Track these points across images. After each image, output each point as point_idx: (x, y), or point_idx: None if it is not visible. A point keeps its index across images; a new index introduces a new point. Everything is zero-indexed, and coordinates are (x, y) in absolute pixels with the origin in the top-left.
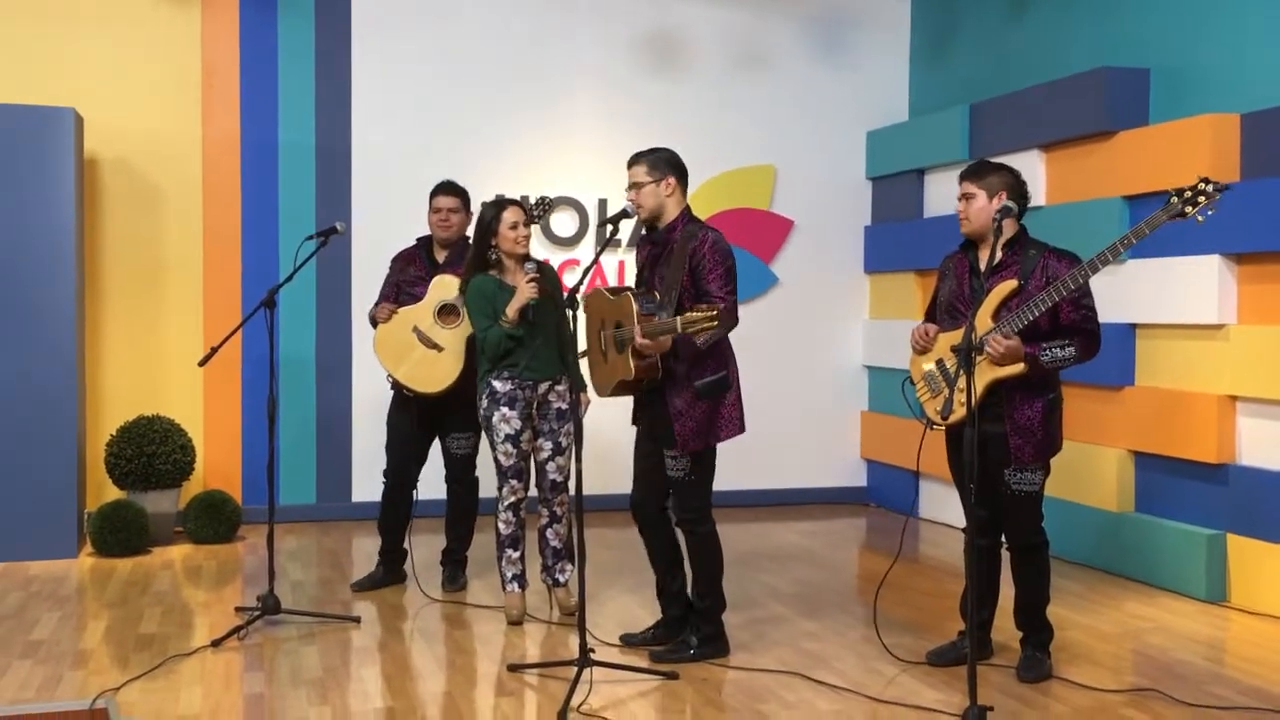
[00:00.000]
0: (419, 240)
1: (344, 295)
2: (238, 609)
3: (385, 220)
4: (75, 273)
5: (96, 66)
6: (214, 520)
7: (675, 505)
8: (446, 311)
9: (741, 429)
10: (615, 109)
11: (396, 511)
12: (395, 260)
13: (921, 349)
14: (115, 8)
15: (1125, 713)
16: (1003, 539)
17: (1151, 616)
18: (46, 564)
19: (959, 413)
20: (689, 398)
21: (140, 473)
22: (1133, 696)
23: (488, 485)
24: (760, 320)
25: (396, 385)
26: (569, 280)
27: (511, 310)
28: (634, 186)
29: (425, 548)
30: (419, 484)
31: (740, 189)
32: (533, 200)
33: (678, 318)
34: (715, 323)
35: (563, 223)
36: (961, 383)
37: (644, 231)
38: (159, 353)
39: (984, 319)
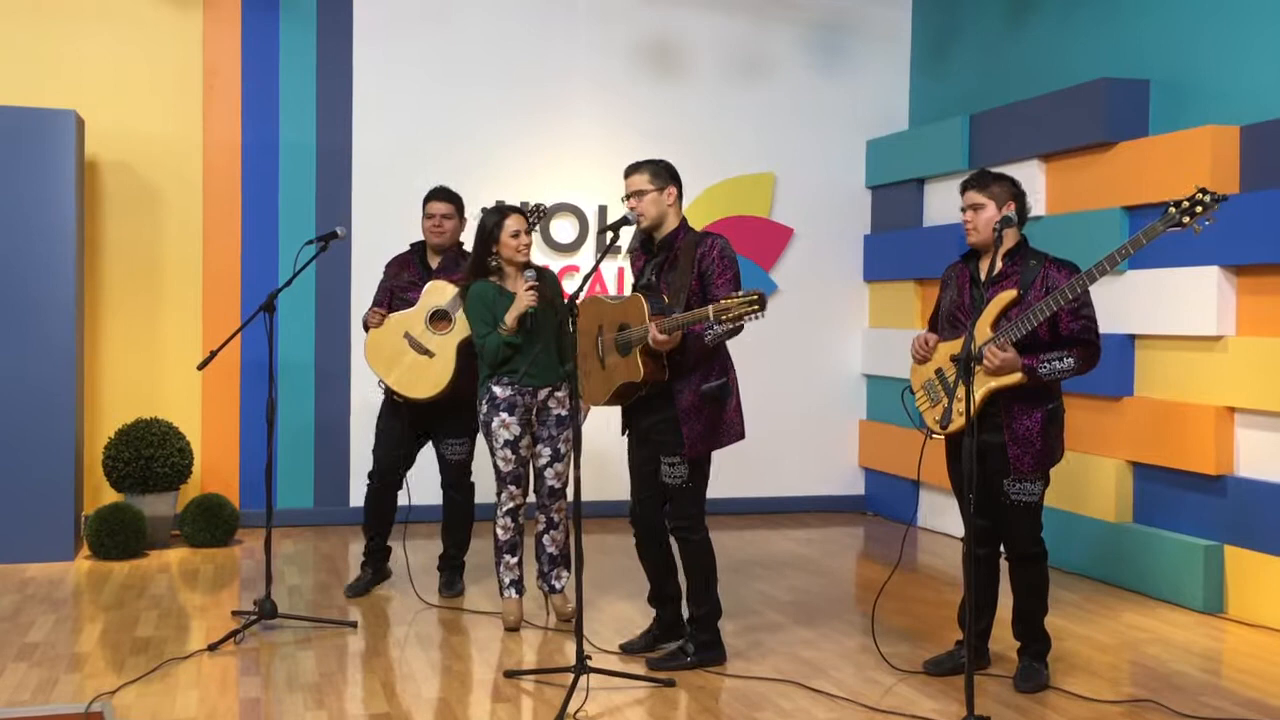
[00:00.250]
0: (412, 246)
1: (343, 300)
2: (234, 613)
3: (385, 225)
4: (75, 275)
5: (97, 68)
6: (211, 524)
7: (670, 512)
8: (438, 318)
9: (742, 435)
10: (615, 115)
11: (381, 511)
12: (389, 266)
13: (921, 358)
14: (116, 9)
15: None
16: (1001, 549)
17: (1149, 627)
18: (43, 566)
19: (958, 422)
20: (696, 401)
21: (138, 476)
22: (1130, 707)
23: (484, 491)
24: (759, 328)
25: (388, 390)
26: (569, 287)
27: (510, 318)
28: (636, 194)
29: (423, 553)
30: (414, 490)
31: (740, 197)
32: (529, 207)
33: (709, 306)
34: (755, 306)
35: (562, 229)
36: (961, 392)
37: (638, 241)
38: (158, 355)
39: (983, 328)
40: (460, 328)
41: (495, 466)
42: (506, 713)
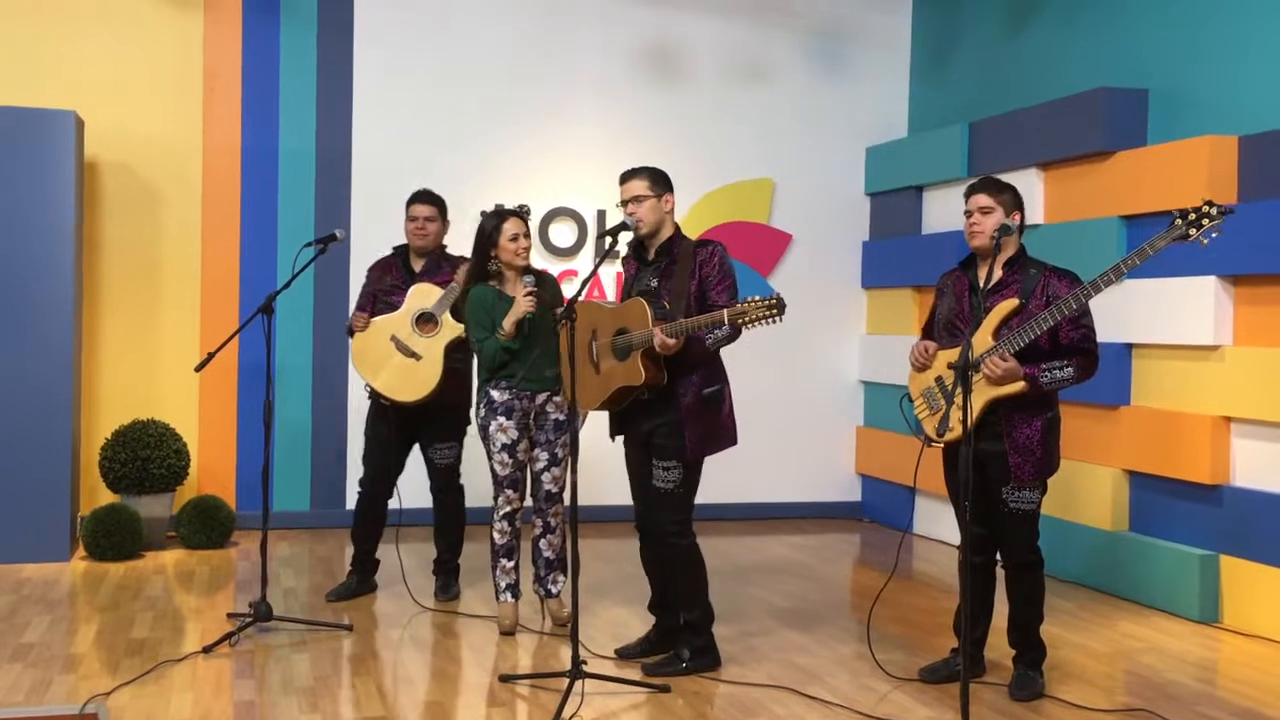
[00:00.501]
0: (395, 249)
1: (341, 302)
2: (230, 615)
3: (384, 228)
4: (73, 275)
5: (98, 69)
6: (207, 526)
7: (660, 518)
8: (424, 320)
9: (735, 440)
10: (615, 121)
11: (371, 521)
12: (372, 269)
13: (920, 366)
14: (117, 10)
15: None
16: (997, 557)
17: (1144, 636)
18: (39, 567)
19: (957, 430)
20: (698, 405)
21: (134, 477)
22: (1125, 717)
23: (480, 494)
24: (756, 333)
25: (374, 395)
26: (568, 291)
27: (508, 323)
28: (634, 200)
29: (417, 556)
30: (404, 495)
31: (739, 202)
32: (510, 207)
33: (723, 310)
34: (775, 310)
35: (561, 233)
36: (959, 400)
37: (631, 246)
38: (155, 357)
39: (984, 337)
40: (447, 330)
41: (492, 470)
42: (501, 717)
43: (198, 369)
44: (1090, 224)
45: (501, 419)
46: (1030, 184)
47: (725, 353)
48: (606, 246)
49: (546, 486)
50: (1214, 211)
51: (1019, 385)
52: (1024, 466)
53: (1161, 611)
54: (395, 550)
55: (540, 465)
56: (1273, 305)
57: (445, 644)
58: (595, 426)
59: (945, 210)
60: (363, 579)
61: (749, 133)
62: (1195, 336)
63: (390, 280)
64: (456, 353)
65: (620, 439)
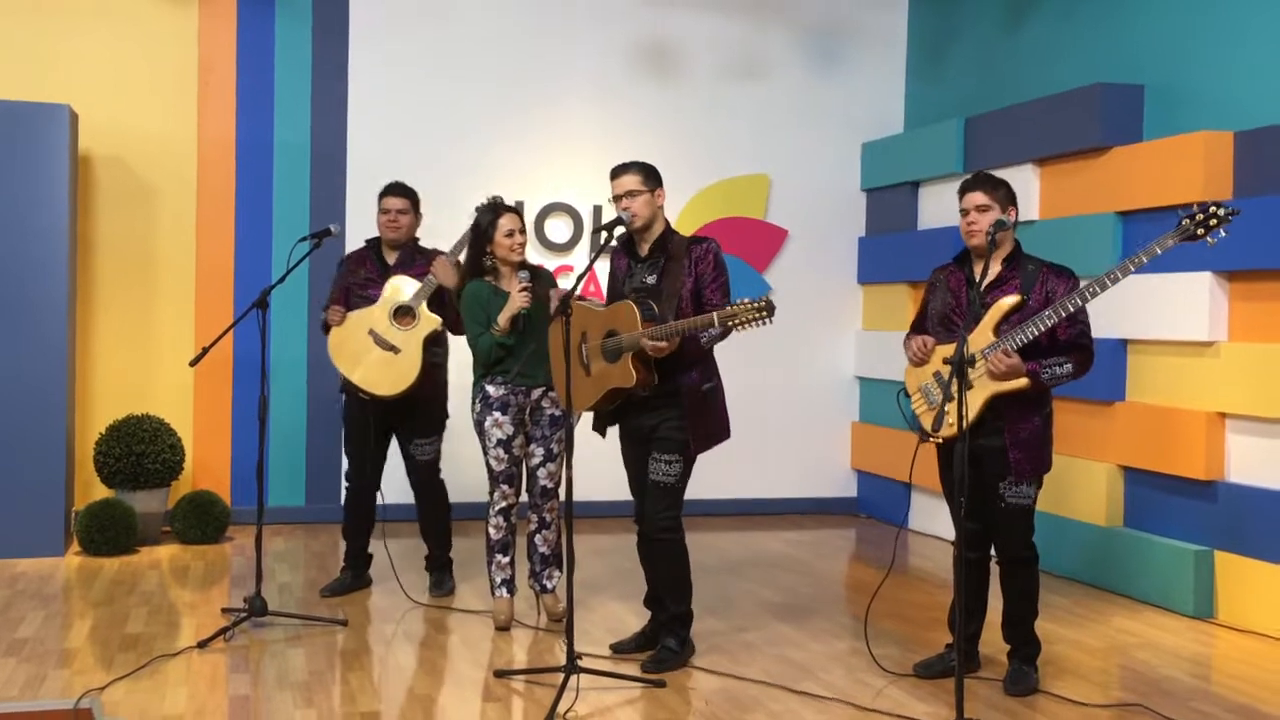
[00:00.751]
0: (368, 242)
1: None
2: (224, 610)
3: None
4: (67, 270)
5: (92, 63)
6: (202, 521)
7: (655, 511)
8: (402, 313)
9: (729, 434)
10: (611, 116)
11: (361, 514)
12: (344, 262)
13: (919, 361)
14: (111, 4)
15: None
16: (992, 552)
17: (1139, 632)
18: (33, 562)
19: (955, 426)
20: (700, 400)
21: (129, 472)
22: (1119, 712)
23: (468, 490)
24: (753, 330)
25: (349, 388)
26: (564, 286)
27: (503, 319)
28: (628, 195)
29: (406, 551)
30: (386, 491)
31: (735, 198)
32: (484, 200)
33: (713, 313)
34: (764, 313)
35: (557, 229)
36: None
37: (621, 242)
38: (150, 351)
39: (985, 333)
40: (424, 322)
41: (488, 466)
42: (496, 712)
43: (192, 364)
44: (1086, 220)
45: (497, 414)
46: (1026, 180)
47: (720, 348)
48: (601, 242)
49: (542, 482)
50: (1221, 212)
51: (1022, 381)
52: (1024, 462)
53: (1156, 607)
54: (384, 547)
55: (536, 461)
56: (1268, 301)
57: (440, 639)
58: (590, 422)
59: (941, 206)
60: (357, 574)
61: (745, 128)
62: (1190, 332)
63: (364, 273)
64: (434, 346)
65: (611, 435)
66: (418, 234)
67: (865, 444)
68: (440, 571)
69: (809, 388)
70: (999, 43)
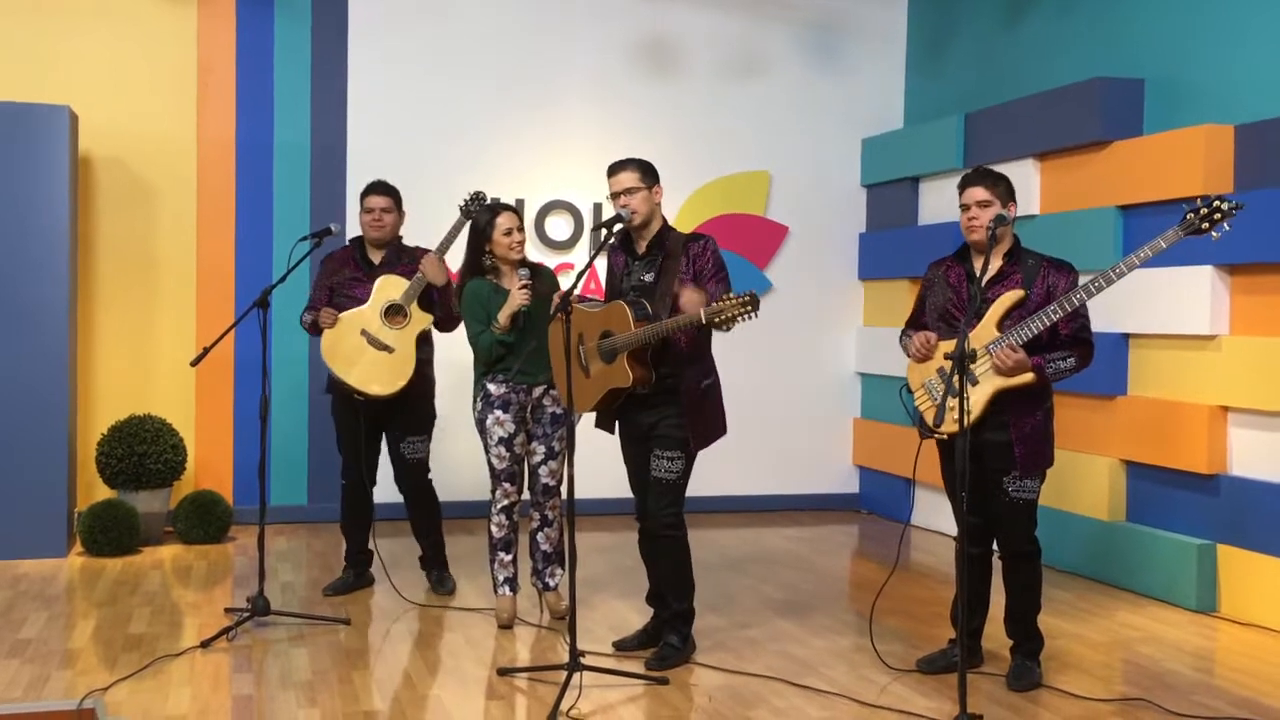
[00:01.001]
0: (351, 241)
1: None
2: (227, 610)
3: None
4: (68, 271)
5: (91, 64)
6: (204, 521)
7: (657, 508)
8: (393, 312)
9: (726, 430)
10: (611, 113)
11: (358, 512)
12: (326, 262)
13: (923, 357)
14: (111, 5)
15: None
16: (994, 547)
17: (1141, 626)
18: (36, 563)
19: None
20: (699, 398)
21: (131, 472)
22: (1122, 706)
23: (477, 488)
24: (754, 326)
25: (339, 389)
26: (564, 284)
27: (503, 317)
28: (627, 192)
29: (409, 553)
30: (373, 491)
31: (735, 195)
32: (467, 195)
33: (700, 310)
34: (749, 307)
35: (557, 226)
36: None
37: (618, 239)
38: (151, 352)
39: (989, 328)
40: (416, 321)
41: (490, 464)
42: (499, 710)
43: (193, 364)
44: (1087, 214)
45: (498, 412)
46: (1026, 174)
47: (722, 345)
48: (601, 239)
49: (544, 480)
50: (1225, 206)
51: (1028, 376)
52: (1029, 456)
53: (1159, 601)
54: (375, 548)
55: (537, 459)
56: (1269, 294)
57: (443, 638)
58: (592, 418)
59: (941, 201)
60: (359, 573)
61: (745, 125)
62: (1192, 326)
63: (349, 273)
64: (423, 344)
65: (612, 432)
66: (401, 232)
67: (867, 440)
68: (440, 569)
69: (810, 384)
70: (998, 38)
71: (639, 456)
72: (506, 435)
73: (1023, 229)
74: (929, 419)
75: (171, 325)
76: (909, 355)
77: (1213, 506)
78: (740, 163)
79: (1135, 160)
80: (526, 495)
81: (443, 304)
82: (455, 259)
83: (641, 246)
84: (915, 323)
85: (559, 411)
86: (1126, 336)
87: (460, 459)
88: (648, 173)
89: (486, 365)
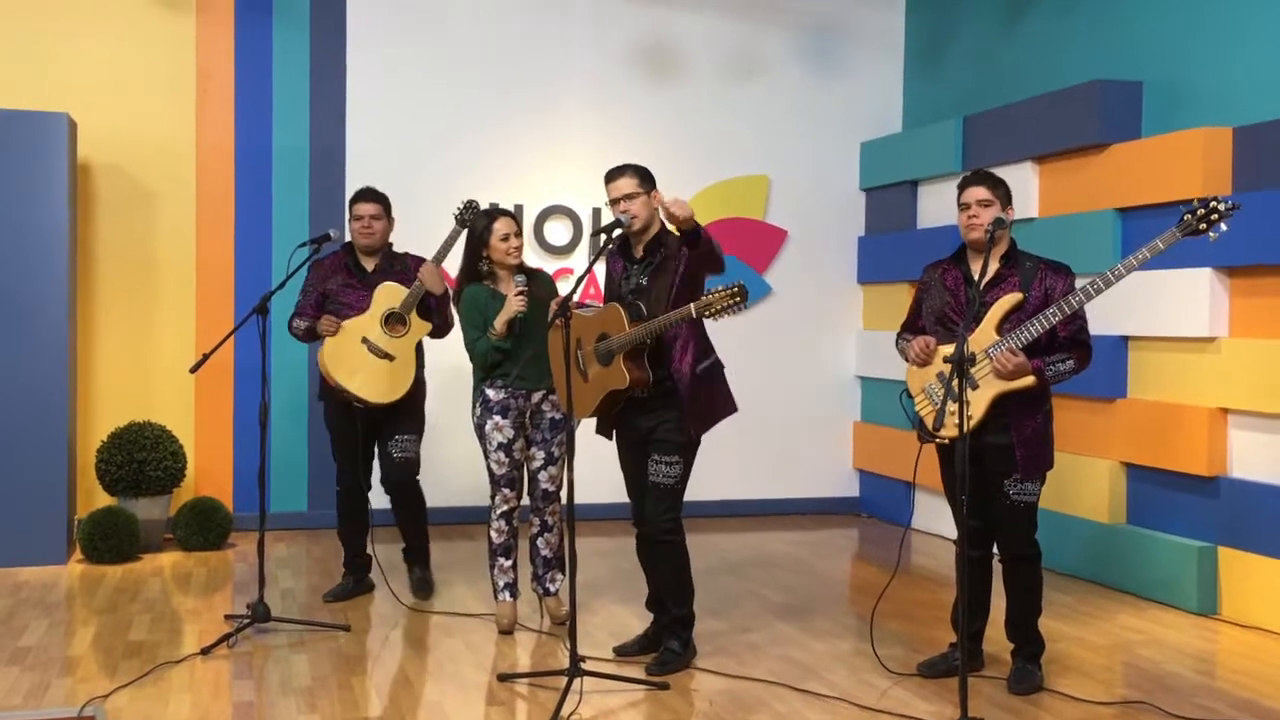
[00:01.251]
0: (342, 248)
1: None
2: (227, 617)
3: None
4: (67, 278)
5: (90, 71)
6: (204, 527)
7: (655, 513)
8: (393, 320)
9: (736, 407)
10: (609, 118)
11: (355, 517)
12: (315, 268)
13: (923, 361)
14: (109, 12)
15: None
16: (994, 550)
17: (1142, 629)
18: (36, 570)
19: (954, 425)
20: (694, 385)
21: (131, 479)
22: (1123, 709)
23: (477, 493)
24: (754, 330)
25: (334, 395)
26: (563, 289)
27: (499, 323)
28: (626, 198)
29: (398, 554)
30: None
31: (734, 199)
32: (461, 204)
33: (690, 304)
34: (737, 298)
35: (556, 232)
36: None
37: (616, 244)
38: (150, 359)
39: (988, 332)
40: (416, 328)
41: (489, 469)
42: (500, 716)
43: (193, 370)
44: (1086, 217)
45: (497, 418)
46: (1025, 177)
47: (722, 349)
48: (601, 244)
49: (543, 485)
50: (1222, 207)
51: (1029, 380)
52: (1031, 459)
53: (1159, 603)
54: (373, 554)
55: (537, 464)
56: (1268, 296)
57: (443, 643)
58: (591, 424)
59: (940, 204)
60: (358, 579)
61: (744, 129)
62: (1191, 328)
63: (341, 280)
64: (418, 351)
65: (612, 437)
66: (392, 239)
67: (867, 444)
68: (423, 568)
69: (810, 388)
70: (997, 41)
71: (636, 461)
72: (505, 441)
73: (1022, 232)
74: (929, 423)
75: (171, 332)
76: (907, 360)
77: (1213, 509)
78: (739, 167)
79: (1134, 163)
80: (526, 500)
81: (440, 312)
82: (451, 266)
83: (639, 251)
84: (912, 326)
85: (558, 417)
86: (1126, 339)
87: (458, 464)
88: (645, 178)
89: (484, 371)
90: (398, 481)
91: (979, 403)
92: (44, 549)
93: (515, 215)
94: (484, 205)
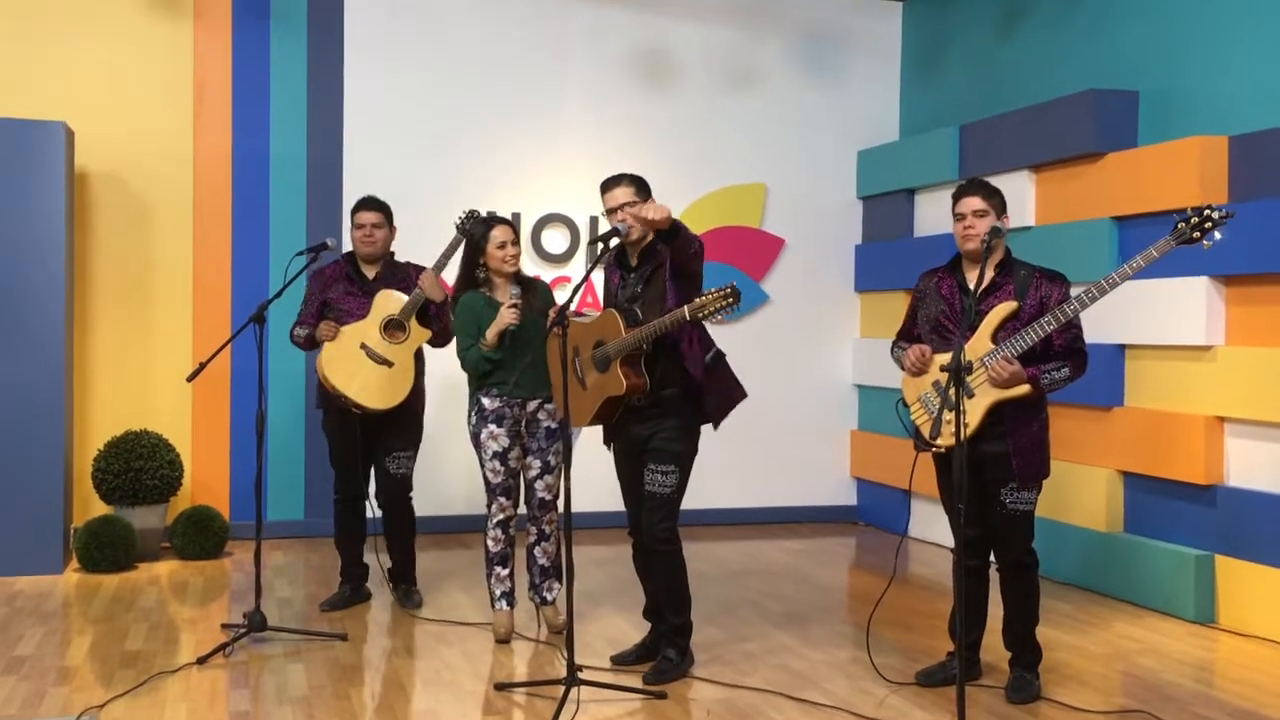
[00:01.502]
0: (343, 256)
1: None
2: (224, 626)
3: None
4: (64, 287)
5: (88, 80)
6: (201, 536)
7: (652, 523)
8: (393, 327)
9: (745, 393)
10: (607, 127)
11: (352, 526)
12: (316, 277)
13: (918, 371)
14: (107, 21)
15: None
16: (991, 559)
17: (1140, 637)
18: (32, 579)
19: (951, 435)
20: (704, 375)
21: (127, 488)
22: (1121, 718)
23: (472, 502)
24: (751, 338)
25: (334, 403)
26: (560, 298)
27: (491, 334)
28: (623, 207)
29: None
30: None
31: (731, 207)
32: (463, 214)
33: (684, 307)
34: (730, 299)
35: (553, 240)
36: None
37: (613, 254)
38: (147, 367)
39: (983, 340)
40: (415, 335)
41: (485, 478)
42: None
43: (189, 379)
44: (1082, 225)
45: (492, 426)
46: (1022, 186)
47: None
48: (598, 253)
49: (539, 494)
50: (1216, 215)
51: (1024, 388)
52: (1027, 467)
53: (1157, 612)
54: (376, 561)
55: (533, 473)
56: (1265, 305)
57: (440, 652)
58: (587, 432)
59: (937, 213)
60: (355, 588)
61: (741, 138)
62: (1188, 337)
63: (344, 288)
64: (417, 360)
65: (615, 446)
66: (393, 247)
67: (864, 452)
68: (408, 584)
69: (808, 396)
70: (993, 50)
71: (633, 470)
72: (500, 449)
73: (1019, 240)
74: (925, 432)
75: (168, 341)
76: (902, 368)
77: (1210, 517)
78: (736, 175)
79: (1130, 172)
80: (523, 509)
81: (440, 319)
82: (451, 275)
83: (634, 259)
84: (907, 334)
85: (554, 426)
86: (1123, 348)
87: (456, 473)
88: (641, 187)
89: (475, 379)
90: (391, 498)
91: (974, 411)
92: (40, 558)
93: (513, 223)
94: (481, 213)
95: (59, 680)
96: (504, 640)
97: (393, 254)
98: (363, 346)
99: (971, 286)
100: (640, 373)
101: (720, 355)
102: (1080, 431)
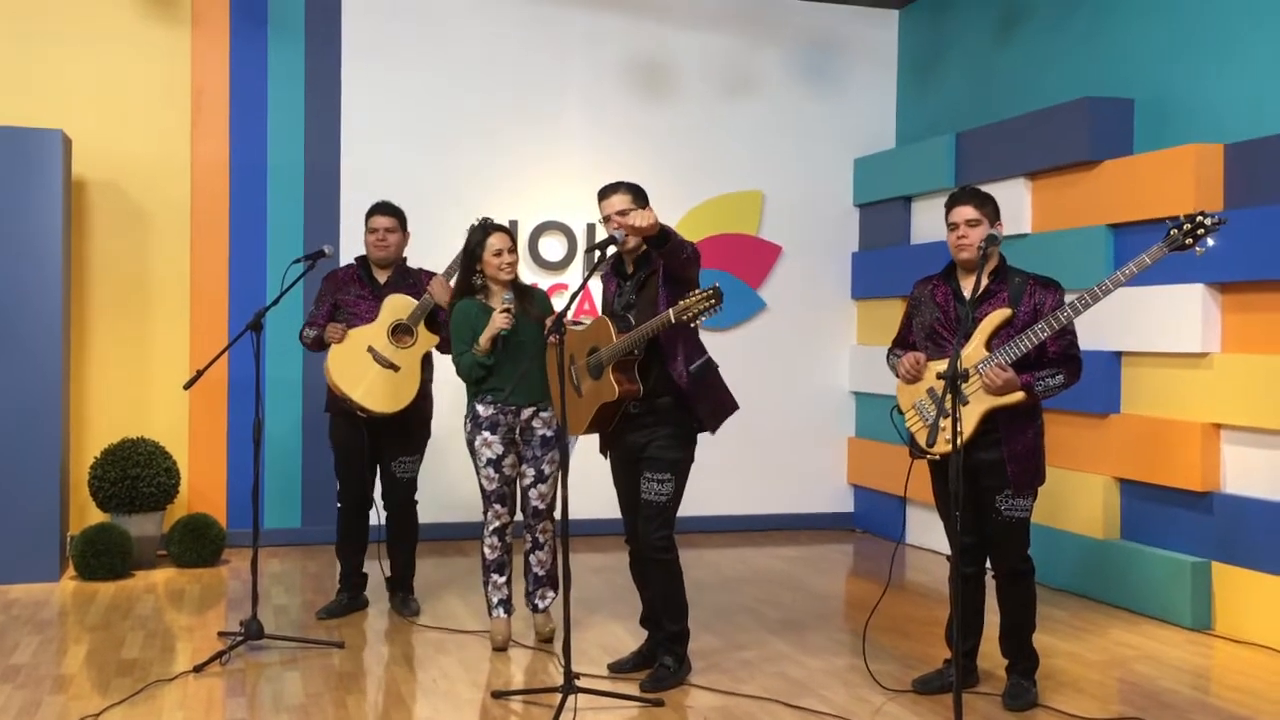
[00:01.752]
0: (356, 260)
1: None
2: (221, 634)
3: None
4: (61, 294)
5: (85, 88)
6: (198, 544)
7: (648, 531)
8: (400, 331)
9: (737, 405)
10: (604, 134)
11: (355, 535)
12: (328, 279)
13: (913, 378)
14: (104, 28)
15: None
16: (988, 566)
17: (1137, 644)
18: (28, 587)
19: (946, 442)
20: (693, 384)
21: (124, 496)
22: None
23: (469, 509)
24: (748, 345)
25: (338, 408)
26: (558, 305)
27: (484, 339)
28: (621, 214)
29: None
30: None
31: (728, 214)
32: (477, 220)
33: (669, 310)
34: (713, 300)
35: (551, 247)
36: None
37: (610, 262)
38: (144, 375)
39: (977, 348)
40: (423, 340)
41: (480, 485)
42: None
43: (186, 386)
44: (1077, 233)
45: (486, 433)
46: (1018, 194)
47: (716, 361)
48: (594, 261)
49: (534, 503)
50: (1209, 221)
51: (1018, 395)
52: (1022, 474)
53: (1154, 619)
54: (380, 568)
55: (528, 481)
56: (1260, 312)
57: (437, 660)
58: (583, 439)
59: (934, 220)
60: (353, 596)
61: (738, 145)
62: (1184, 344)
63: (355, 291)
64: (431, 363)
65: (612, 454)
66: (405, 253)
67: (861, 459)
68: (405, 592)
69: (805, 403)
70: (989, 58)
71: (629, 478)
72: (495, 457)
73: (1014, 248)
74: (921, 440)
75: (165, 348)
76: (897, 376)
77: (1207, 524)
78: (733, 183)
79: (1126, 179)
80: (520, 516)
81: (448, 326)
82: None
83: (630, 268)
84: (903, 342)
85: (549, 434)
86: (1119, 355)
87: (455, 479)
88: (639, 195)
89: (470, 385)
90: (397, 502)
91: (969, 418)
92: (36, 566)
93: (511, 231)
94: (474, 221)
95: (55, 689)
96: (501, 648)
97: (405, 260)
98: (370, 350)
99: (966, 294)
100: (634, 378)
101: (709, 363)
102: (1077, 438)
